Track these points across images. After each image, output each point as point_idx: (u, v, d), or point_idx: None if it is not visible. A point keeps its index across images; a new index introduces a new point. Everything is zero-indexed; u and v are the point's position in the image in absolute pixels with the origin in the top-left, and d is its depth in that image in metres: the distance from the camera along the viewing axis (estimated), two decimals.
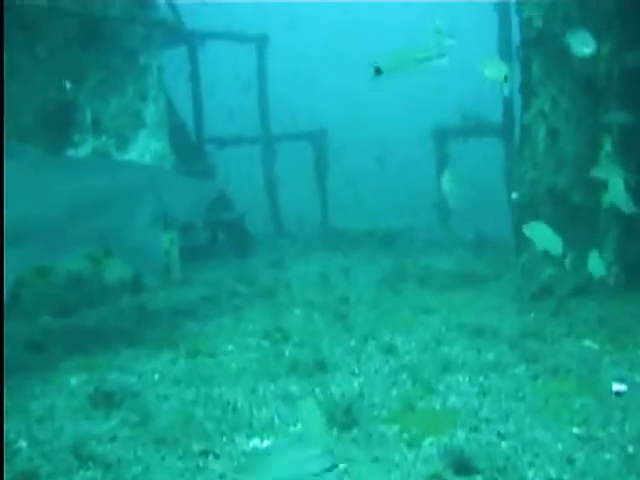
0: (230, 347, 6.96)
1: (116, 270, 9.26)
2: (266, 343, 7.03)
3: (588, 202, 8.44)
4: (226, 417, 5.13)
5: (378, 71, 4.27)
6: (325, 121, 15.51)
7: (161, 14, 10.54)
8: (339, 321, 7.66)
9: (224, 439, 4.75)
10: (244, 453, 4.53)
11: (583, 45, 7.06)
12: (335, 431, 4.79)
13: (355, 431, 4.80)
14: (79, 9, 9.04)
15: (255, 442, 4.71)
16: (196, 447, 4.60)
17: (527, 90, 8.05)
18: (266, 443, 4.70)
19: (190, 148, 13.41)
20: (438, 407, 5.25)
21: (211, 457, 4.49)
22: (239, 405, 5.36)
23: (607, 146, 8.45)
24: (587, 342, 6.66)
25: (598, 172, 7.35)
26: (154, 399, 5.55)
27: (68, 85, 8.94)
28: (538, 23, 7.85)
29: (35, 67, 8.66)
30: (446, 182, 6.96)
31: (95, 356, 6.67)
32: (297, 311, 8.26)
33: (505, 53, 11.55)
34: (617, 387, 5.40)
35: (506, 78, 5.94)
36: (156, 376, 6.13)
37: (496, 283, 9.27)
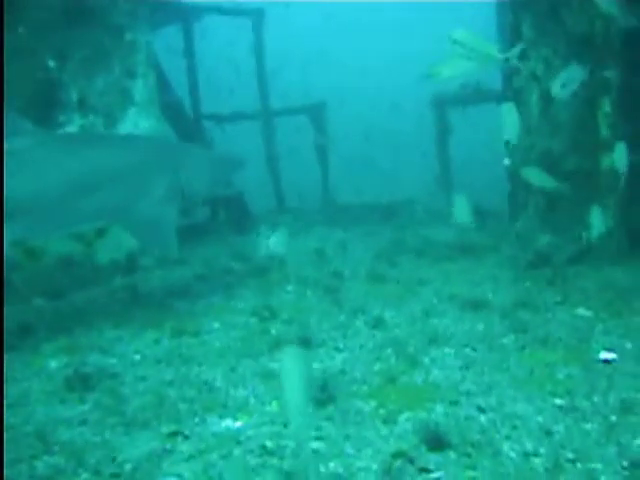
0: (216, 325, 6.83)
1: (109, 251, 9.17)
2: (254, 320, 6.89)
3: (585, 166, 8.20)
4: (201, 397, 5.00)
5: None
6: (322, 94, 15.26)
7: None
8: (330, 296, 7.50)
9: (196, 420, 4.62)
10: (214, 434, 4.41)
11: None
12: (310, 409, 4.66)
13: (331, 408, 4.66)
14: None
15: (227, 422, 4.58)
16: (165, 429, 4.48)
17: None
18: (239, 423, 4.56)
19: (187, 125, 13.25)
20: (420, 381, 5.09)
21: (180, 438, 4.36)
22: (216, 385, 5.23)
23: (605, 107, 8.19)
24: (581, 310, 6.46)
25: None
26: (132, 380, 5.43)
27: (52, 64, 8.79)
28: None
29: (18, 47, 8.52)
30: None
31: (79, 338, 6.57)
32: (289, 287, 8.12)
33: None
34: (605, 355, 5.22)
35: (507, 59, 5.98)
36: (137, 357, 6.02)
37: (495, 253, 9.05)
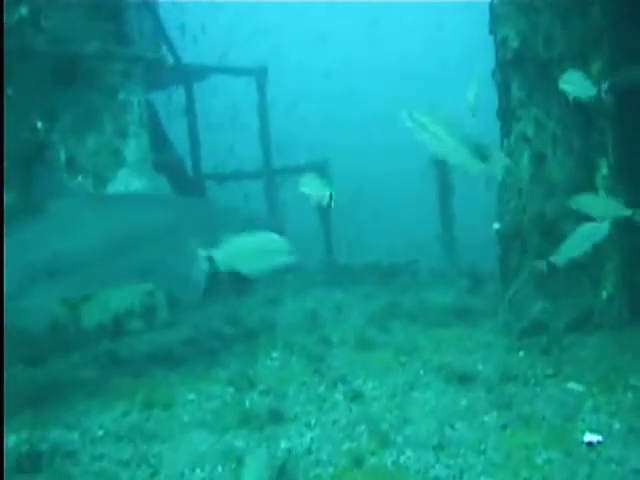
0: (191, 396, 6.53)
1: (95, 315, 8.95)
2: (230, 391, 6.60)
3: None
4: None
5: None
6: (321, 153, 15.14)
7: (141, 49, 10.30)
8: (314, 364, 7.19)
9: None
10: None
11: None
12: None
13: None
14: (52, 49, 8.88)
15: None
16: None
17: (506, 114, 7.58)
18: None
19: (188, 184, 13.15)
20: (389, 463, 4.76)
21: None
22: (174, 465, 4.93)
23: (603, 170, 7.92)
24: (572, 384, 6.09)
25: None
26: (87, 460, 5.14)
27: (39, 125, 8.72)
28: (514, 44, 7.38)
29: (6, 109, 8.45)
30: None
31: (46, 411, 6.29)
32: (275, 354, 7.82)
33: None
34: (589, 437, 4.86)
35: None
36: (100, 432, 5.71)
37: (491, 318, 8.66)
